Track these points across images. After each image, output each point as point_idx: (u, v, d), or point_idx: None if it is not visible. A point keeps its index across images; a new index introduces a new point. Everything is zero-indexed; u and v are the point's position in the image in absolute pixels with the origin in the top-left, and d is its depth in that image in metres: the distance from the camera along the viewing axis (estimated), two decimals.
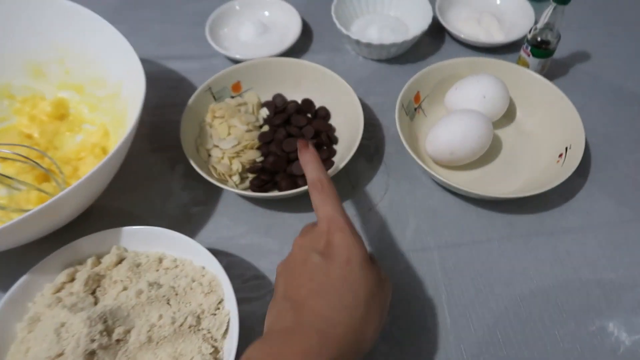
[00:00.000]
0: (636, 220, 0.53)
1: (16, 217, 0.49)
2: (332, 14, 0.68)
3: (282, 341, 0.32)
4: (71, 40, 0.57)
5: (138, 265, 0.44)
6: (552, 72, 0.66)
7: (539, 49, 0.61)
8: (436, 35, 0.72)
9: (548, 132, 0.57)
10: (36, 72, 0.60)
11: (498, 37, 0.70)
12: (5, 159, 0.54)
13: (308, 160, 0.41)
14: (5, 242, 0.43)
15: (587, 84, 0.66)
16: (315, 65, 0.60)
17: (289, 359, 0.31)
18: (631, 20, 0.75)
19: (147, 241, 0.45)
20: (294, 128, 0.57)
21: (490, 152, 0.56)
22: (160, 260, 0.45)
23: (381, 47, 0.65)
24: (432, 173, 0.51)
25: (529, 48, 0.61)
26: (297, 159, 0.55)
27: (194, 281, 0.42)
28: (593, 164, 0.57)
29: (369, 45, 0.65)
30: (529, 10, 0.71)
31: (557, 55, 0.65)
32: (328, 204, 0.38)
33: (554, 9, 0.57)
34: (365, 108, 0.63)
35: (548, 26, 0.59)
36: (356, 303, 0.34)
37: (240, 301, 0.47)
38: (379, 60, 0.69)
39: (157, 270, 0.44)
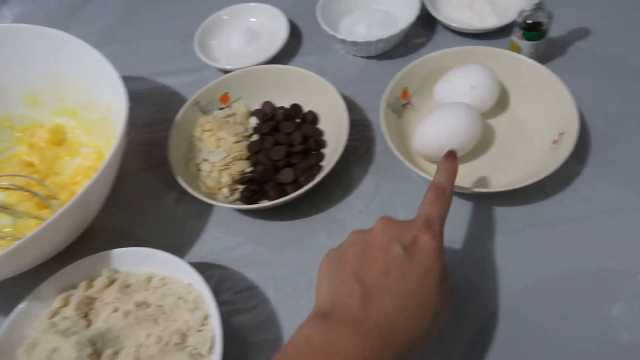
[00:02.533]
0: None
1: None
2: (317, 14, 0.67)
3: (348, 331, 0.30)
4: (62, 68, 0.59)
5: (128, 285, 0.45)
6: (548, 53, 0.63)
7: (531, 32, 0.58)
8: (427, 26, 0.70)
9: (541, 117, 0.55)
10: (32, 101, 0.62)
11: (491, 21, 0.67)
12: (7, 189, 0.56)
13: (445, 168, 0.40)
14: (4, 270, 0.45)
15: (586, 62, 0.63)
16: (300, 69, 0.59)
17: (348, 353, 0.29)
18: None
19: (137, 261, 0.46)
20: (282, 135, 0.57)
21: (483, 144, 0.54)
22: (149, 280, 0.46)
23: (368, 44, 0.64)
24: (418, 172, 0.50)
25: (520, 31, 0.59)
26: (284, 166, 0.55)
27: (180, 298, 0.43)
28: (593, 147, 0.55)
29: (355, 44, 0.64)
30: None
31: (553, 34, 0.62)
32: (435, 208, 0.37)
33: None
34: (356, 108, 0.62)
35: (538, 6, 0.57)
36: (425, 317, 0.32)
37: (232, 313, 0.48)
38: (369, 57, 0.68)
39: (146, 290, 0.45)
